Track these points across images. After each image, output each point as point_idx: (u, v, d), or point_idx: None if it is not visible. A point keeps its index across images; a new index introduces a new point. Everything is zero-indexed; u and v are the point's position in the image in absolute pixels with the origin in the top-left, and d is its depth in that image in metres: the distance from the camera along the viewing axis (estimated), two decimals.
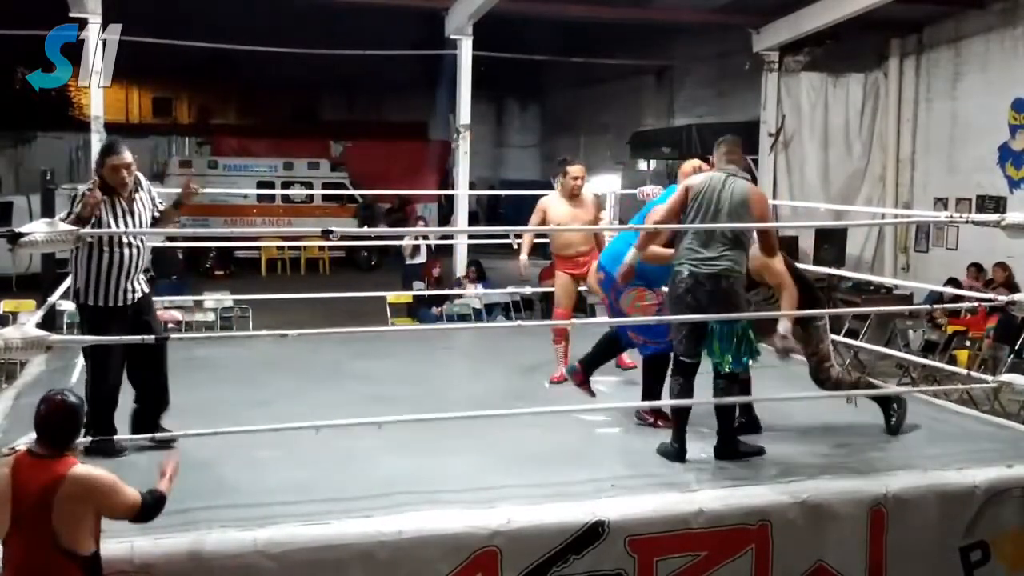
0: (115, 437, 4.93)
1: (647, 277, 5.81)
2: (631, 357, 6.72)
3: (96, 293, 5.07)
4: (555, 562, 4.29)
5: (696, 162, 6.12)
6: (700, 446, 5.34)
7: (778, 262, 5.40)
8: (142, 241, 5.20)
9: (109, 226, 4.99)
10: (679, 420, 5.26)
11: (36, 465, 3.55)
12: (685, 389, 5.26)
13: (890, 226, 14.02)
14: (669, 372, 5.47)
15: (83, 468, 3.60)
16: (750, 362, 5.28)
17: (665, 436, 5.37)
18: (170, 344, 5.04)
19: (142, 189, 5.26)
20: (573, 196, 7.17)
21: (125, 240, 5.07)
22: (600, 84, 22.63)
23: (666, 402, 5.51)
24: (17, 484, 3.52)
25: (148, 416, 5.20)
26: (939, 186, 13.77)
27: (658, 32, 17.09)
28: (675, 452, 5.20)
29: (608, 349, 6.25)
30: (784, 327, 5.18)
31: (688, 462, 5.14)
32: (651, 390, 5.87)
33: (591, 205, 7.31)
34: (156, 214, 5.33)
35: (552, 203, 7.27)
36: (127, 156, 5.10)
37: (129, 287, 5.13)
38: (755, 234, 5.31)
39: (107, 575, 3.82)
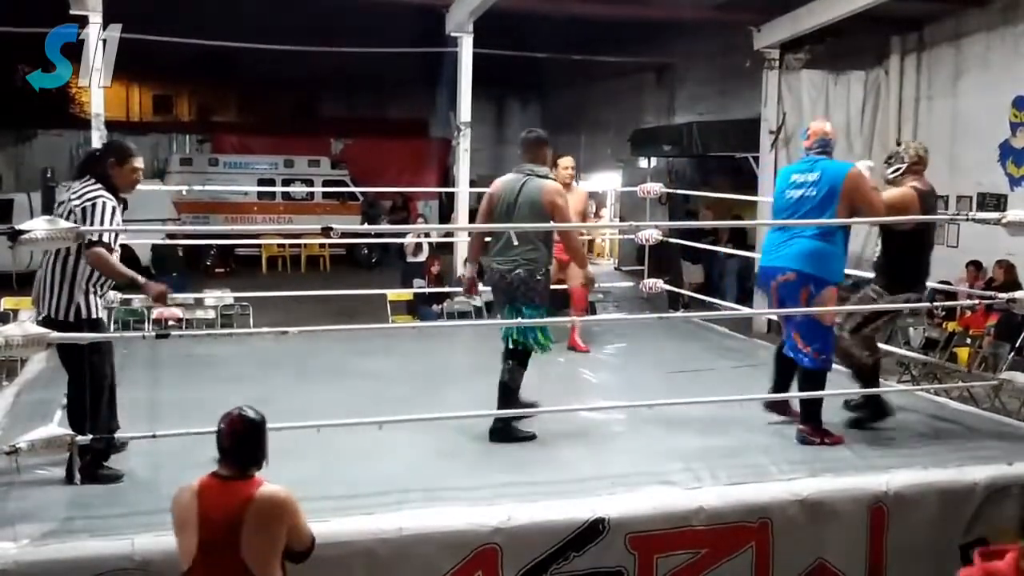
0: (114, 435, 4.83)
1: (831, 269, 5.70)
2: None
3: (96, 304, 4.72)
4: (555, 559, 4.30)
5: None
6: (698, 441, 5.35)
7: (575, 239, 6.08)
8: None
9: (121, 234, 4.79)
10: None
11: (223, 488, 3.38)
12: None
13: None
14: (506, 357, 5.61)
15: (272, 487, 3.42)
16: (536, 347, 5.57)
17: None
18: (171, 341, 5.00)
19: None
20: (565, 186, 7.77)
21: (117, 247, 4.83)
22: (601, 82, 22.57)
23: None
24: (203, 509, 3.34)
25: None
26: (940, 184, 13.50)
27: (659, 30, 17.06)
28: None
29: (789, 372, 5.88)
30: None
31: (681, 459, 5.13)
32: (812, 410, 5.55)
33: (581, 198, 8.15)
34: None
35: None
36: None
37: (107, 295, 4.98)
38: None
39: (107, 571, 3.83)
